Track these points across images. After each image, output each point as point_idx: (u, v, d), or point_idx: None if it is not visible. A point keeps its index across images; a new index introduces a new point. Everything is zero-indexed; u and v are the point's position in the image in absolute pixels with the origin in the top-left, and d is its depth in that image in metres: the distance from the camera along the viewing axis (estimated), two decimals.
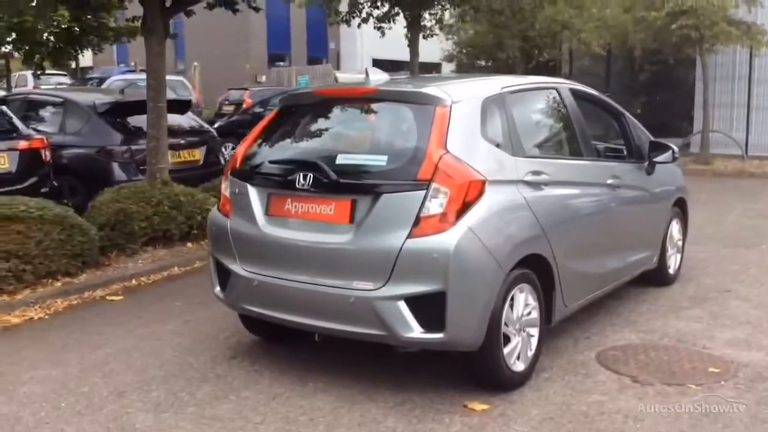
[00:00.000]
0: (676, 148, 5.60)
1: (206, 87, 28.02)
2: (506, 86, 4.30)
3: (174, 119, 9.36)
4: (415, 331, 3.63)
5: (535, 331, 4.14)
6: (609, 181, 4.91)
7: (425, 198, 3.63)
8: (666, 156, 5.52)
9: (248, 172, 4.22)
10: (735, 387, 3.99)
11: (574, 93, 4.94)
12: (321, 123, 4.27)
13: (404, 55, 13.75)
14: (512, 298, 3.92)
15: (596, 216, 4.78)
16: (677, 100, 18.72)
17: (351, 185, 3.81)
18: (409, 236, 3.62)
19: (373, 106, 4.16)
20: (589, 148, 4.86)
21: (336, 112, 4.26)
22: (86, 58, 28.42)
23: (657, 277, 5.98)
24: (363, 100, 4.19)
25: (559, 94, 4.78)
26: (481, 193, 3.73)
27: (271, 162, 4.18)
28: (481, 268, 3.68)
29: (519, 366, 4.00)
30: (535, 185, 4.13)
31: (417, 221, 3.63)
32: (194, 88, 24.22)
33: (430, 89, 3.96)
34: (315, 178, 3.84)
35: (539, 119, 4.79)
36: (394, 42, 13.85)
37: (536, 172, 4.17)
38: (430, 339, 3.65)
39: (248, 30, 31.57)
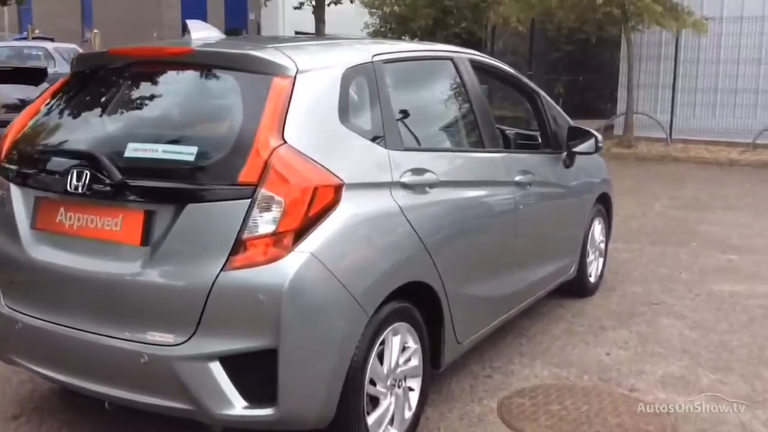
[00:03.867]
0: (599, 136, 4.63)
1: None
2: (381, 54, 3.19)
3: (25, 91, 8.01)
4: (236, 406, 2.51)
5: (416, 383, 3.10)
6: (518, 178, 3.89)
7: (250, 210, 2.51)
8: (588, 145, 4.54)
9: (13, 166, 2.98)
10: None
11: (476, 66, 3.87)
12: (113, 97, 3.02)
13: (331, 28, 12.51)
14: (383, 343, 2.86)
15: (500, 224, 3.76)
16: (601, 80, 18.15)
17: (144, 189, 2.64)
18: (226, 267, 2.49)
19: (187, 74, 2.96)
20: (493, 137, 3.81)
21: (136, 81, 3.02)
22: None
23: (576, 288, 5.05)
24: (174, 64, 2.96)
25: (456, 67, 3.70)
26: (334, 202, 2.63)
27: (42, 152, 2.96)
28: (330, 311, 2.59)
29: None
30: (418, 188, 3.06)
31: (237, 245, 2.50)
32: None
33: (267, 52, 2.80)
34: (93, 177, 2.65)
35: (426, 99, 3.70)
36: None
37: (419, 170, 3.10)
38: (256, 416, 2.53)
39: None
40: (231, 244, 2.50)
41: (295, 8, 12.84)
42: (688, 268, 6.03)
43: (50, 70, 11.00)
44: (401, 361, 2.98)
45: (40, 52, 18.86)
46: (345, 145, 2.81)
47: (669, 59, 14.84)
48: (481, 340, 3.77)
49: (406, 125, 3.22)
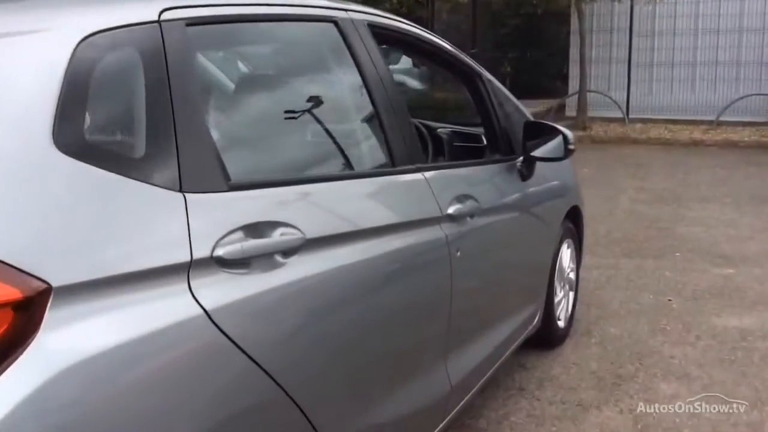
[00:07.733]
0: (569, 134, 3.21)
1: None
2: (180, 8, 1.67)
3: None
4: None
5: None
6: (453, 210, 2.44)
7: None
8: (553, 147, 3.13)
9: None
10: None
11: (379, 33, 2.38)
12: None
13: None
14: None
15: (424, 292, 2.31)
16: (551, 56, 16.88)
17: None
18: None
19: None
20: (410, 146, 2.35)
21: None
22: None
23: (540, 337, 3.68)
24: None
25: (342, 35, 2.20)
26: (17, 337, 1.15)
27: None
28: None
29: None
30: (258, 264, 1.59)
31: None
32: None
33: None
34: None
35: (283, 92, 2.21)
36: None
37: (261, 228, 1.62)
38: None
39: None
40: None
41: None
42: (678, 291, 4.73)
43: None
44: None
45: None
46: (62, 197, 1.31)
47: (623, 31, 13.63)
48: None
49: (236, 141, 1.74)
